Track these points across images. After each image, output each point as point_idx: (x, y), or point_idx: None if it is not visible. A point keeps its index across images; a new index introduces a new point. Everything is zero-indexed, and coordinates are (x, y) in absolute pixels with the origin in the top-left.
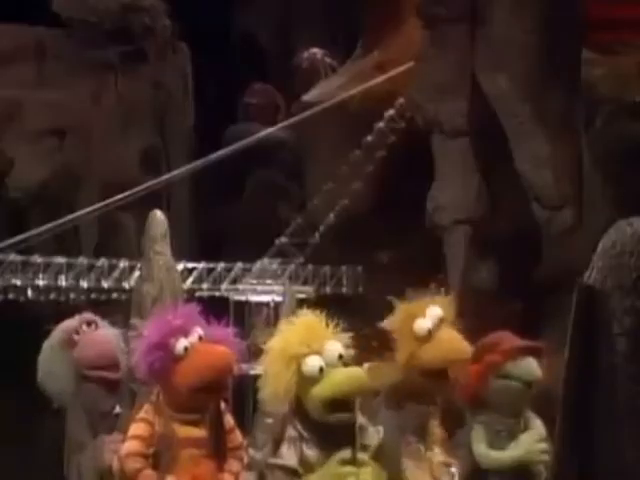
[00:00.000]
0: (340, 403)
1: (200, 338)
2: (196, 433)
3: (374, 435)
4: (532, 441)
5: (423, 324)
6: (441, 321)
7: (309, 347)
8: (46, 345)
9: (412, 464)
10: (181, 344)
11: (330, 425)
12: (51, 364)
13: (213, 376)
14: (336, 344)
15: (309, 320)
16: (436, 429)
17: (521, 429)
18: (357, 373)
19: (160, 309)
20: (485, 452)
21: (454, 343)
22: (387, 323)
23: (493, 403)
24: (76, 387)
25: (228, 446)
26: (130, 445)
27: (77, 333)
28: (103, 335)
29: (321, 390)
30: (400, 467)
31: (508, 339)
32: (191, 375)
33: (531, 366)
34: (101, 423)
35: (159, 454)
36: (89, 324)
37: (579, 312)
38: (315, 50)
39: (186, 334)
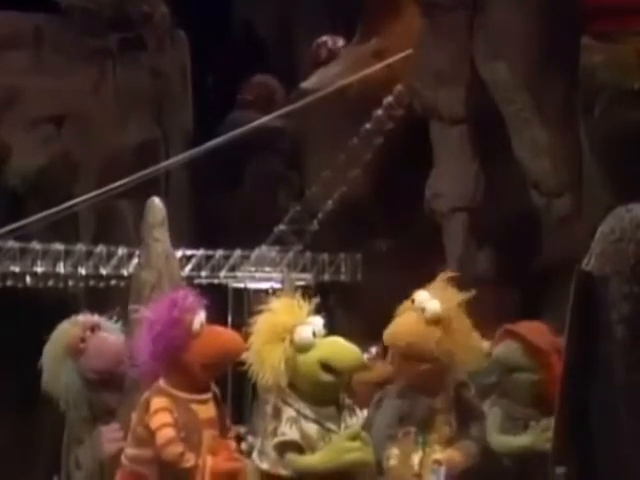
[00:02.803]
0: (334, 370)
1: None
2: (211, 413)
3: (360, 418)
4: (540, 429)
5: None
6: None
7: (296, 319)
8: (50, 351)
9: (398, 455)
10: (198, 321)
11: (324, 390)
12: (57, 372)
13: (227, 355)
14: (318, 317)
15: (285, 300)
16: (444, 427)
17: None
18: (356, 350)
19: (159, 296)
20: (495, 436)
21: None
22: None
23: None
24: (84, 392)
25: (226, 424)
26: (165, 433)
27: (83, 341)
28: (108, 339)
29: (318, 353)
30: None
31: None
32: (206, 351)
33: (507, 350)
34: (102, 417)
35: (186, 439)
36: (92, 329)
37: (578, 299)
38: (326, 38)
39: (196, 313)
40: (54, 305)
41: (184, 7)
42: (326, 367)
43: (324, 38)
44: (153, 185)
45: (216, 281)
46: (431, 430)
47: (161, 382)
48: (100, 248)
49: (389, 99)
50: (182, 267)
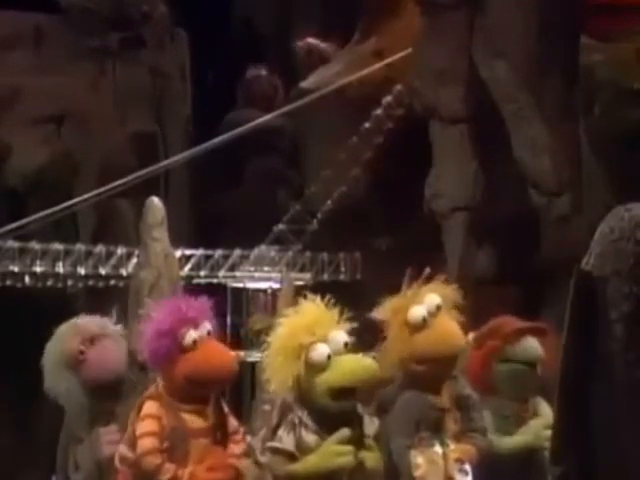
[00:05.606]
0: (346, 391)
1: (209, 333)
2: (204, 423)
3: (370, 424)
4: (540, 427)
5: (418, 311)
6: (439, 309)
7: (315, 335)
8: (49, 360)
9: (426, 462)
10: (190, 336)
11: (333, 413)
12: (57, 380)
13: (213, 375)
14: (341, 332)
15: (313, 308)
16: (452, 424)
17: (530, 415)
18: (368, 362)
19: (170, 297)
20: (493, 437)
21: (447, 334)
22: (378, 313)
23: (499, 388)
24: (84, 399)
25: (228, 431)
26: (145, 442)
27: (82, 353)
28: (108, 349)
29: (329, 378)
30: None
31: (508, 323)
32: (192, 368)
33: (531, 347)
34: (101, 419)
35: (172, 448)
36: (92, 341)
37: (577, 298)
38: (312, 40)
39: (196, 326)
40: (53, 305)
41: (184, 6)
42: (335, 393)
43: (309, 40)
44: (153, 185)
45: (215, 281)
46: (443, 429)
47: (160, 384)
48: (99, 248)
49: (388, 99)
50: (181, 267)
